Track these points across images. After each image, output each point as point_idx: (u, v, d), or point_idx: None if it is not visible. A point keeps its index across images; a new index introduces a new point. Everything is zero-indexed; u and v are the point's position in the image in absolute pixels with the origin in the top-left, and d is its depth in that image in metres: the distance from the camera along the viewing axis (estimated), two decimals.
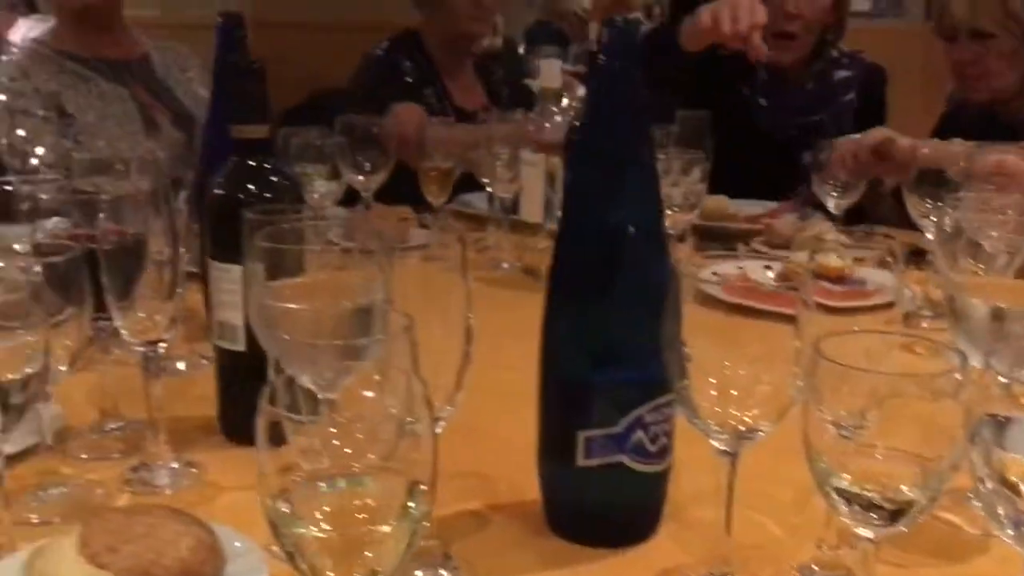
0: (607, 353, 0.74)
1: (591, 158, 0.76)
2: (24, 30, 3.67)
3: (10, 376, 0.67)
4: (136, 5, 2.26)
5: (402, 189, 1.82)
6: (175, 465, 0.88)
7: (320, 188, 1.54)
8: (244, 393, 0.91)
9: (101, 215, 0.85)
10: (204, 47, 2.43)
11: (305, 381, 0.63)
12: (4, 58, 2.05)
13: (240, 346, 0.89)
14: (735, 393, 0.65)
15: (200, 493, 0.85)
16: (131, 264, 0.84)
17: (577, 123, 1.43)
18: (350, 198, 1.66)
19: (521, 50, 6.16)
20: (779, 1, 1.93)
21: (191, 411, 0.98)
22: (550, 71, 1.52)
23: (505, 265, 1.63)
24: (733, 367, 0.65)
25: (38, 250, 0.82)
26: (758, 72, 2.05)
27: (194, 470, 0.88)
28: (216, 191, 0.89)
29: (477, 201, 1.95)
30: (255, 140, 0.88)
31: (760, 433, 0.67)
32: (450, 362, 0.70)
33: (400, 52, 2.27)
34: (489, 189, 1.70)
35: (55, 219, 1.08)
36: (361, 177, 1.61)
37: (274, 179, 0.89)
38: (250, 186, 0.88)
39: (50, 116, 1.97)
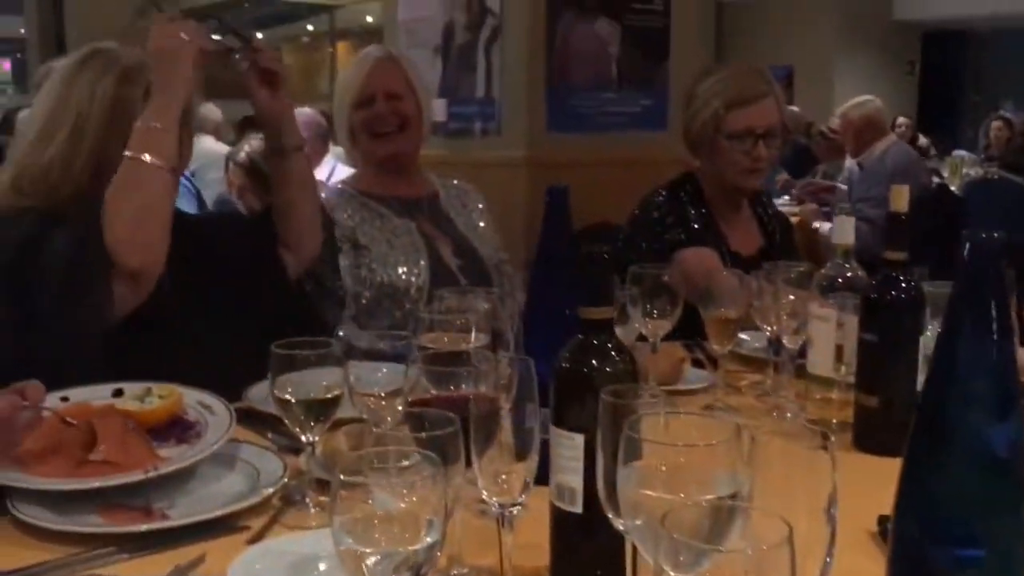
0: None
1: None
2: (327, 167, 4.13)
3: (412, 547, 0.77)
4: (427, 147, 2.50)
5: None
6: None
7: None
8: (579, 553, 1.00)
9: (463, 384, 0.97)
10: (483, 182, 2.67)
11: (660, 559, 0.68)
12: (320, 196, 2.34)
13: (577, 508, 0.97)
14: None
15: None
16: (492, 425, 0.95)
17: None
18: None
19: (779, 176, 6.19)
20: None
21: (522, 559, 1.06)
22: (843, 228, 1.55)
23: (789, 415, 1.64)
24: None
25: (412, 418, 0.94)
26: None
27: None
28: (563, 364, 0.98)
29: (755, 340, 1.96)
30: (601, 320, 0.97)
31: None
32: (816, 552, 0.73)
33: (682, 196, 2.32)
34: (769, 332, 1.73)
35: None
36: (649, 324, 1.68)
37: (616, 356, 0.97)
38: (595, 362, 0.97)
39: (346, 248, 2.22)
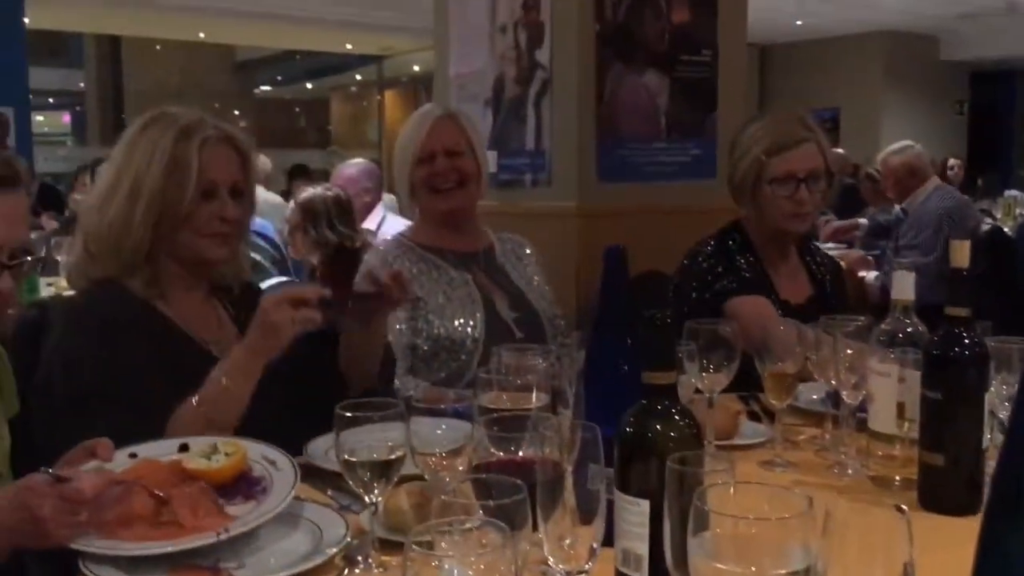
0: None
1: None
2: (377, 217, 4.18)
3: None
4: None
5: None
6: None
7: None
8: None
9: (524, 447, 0.97)
10: (534, 232, 2.69)
11: None
12: (379, 248, 2.39)
13: (643, 574, 0.97)
14: None
15: None
16: (557, 489, 0.95)
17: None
18: None
19: (825, 219, 6.14)
20: None
21: None
22: (903, 283, 1.53)
23: (851, 472, 1.62)
24: None
25: (478, 485, 0.95)
26: None
27: None
28: (627, 429, 0.98)
29: (813, 392, 1.94)
30: (664, 385, 0.97)
31: None
32: None
33: (730, 245, 2.33)
34: (828, 385, 1.71)
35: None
36: (706, 379, 1.68)
37: (680, 421, 0.97)
38: (658, 427, 0.97)
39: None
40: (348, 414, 1.18)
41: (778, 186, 2.25)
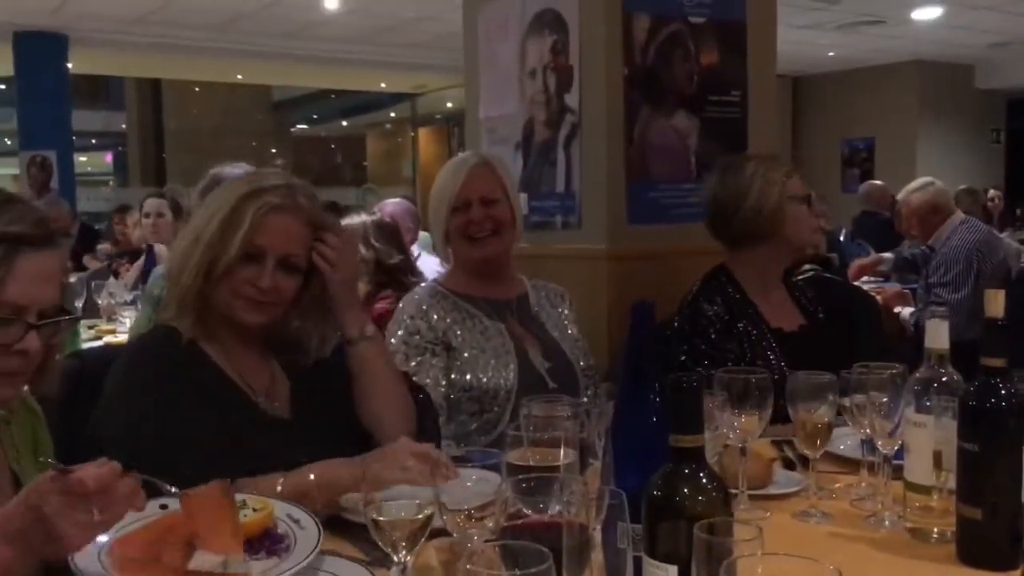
0: None
1: None
2: (413, 255, 4.20)
3: None
4: None
5: None
6: None
7: None
8: None
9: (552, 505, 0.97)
10: (565, 275, 2.70)
11: None
12: (414, 296, 2.39)
13: None
14: None
15: None
16: (584, 553, 0.95)
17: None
18: None
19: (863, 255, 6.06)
20: None
21: None
22: (937, 332, 1.51)
23: (887, 523, 1.59)
24: None
25: (506, 553, 0.95)
26: None
27: None
28: (654, 492, 0.98)
29: (847, 438, 1.91)
30: (692, 448, 0.97)
31: None
32: None
33: (718, 281, 2.45)
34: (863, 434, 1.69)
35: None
36: (738, 429, 1.66)
37: (708, 486, 0.97)
38: (686, 491, 0.96)
39: (438, 350, 2.26)
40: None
41: (798, 204, 2.42)
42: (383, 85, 15.46)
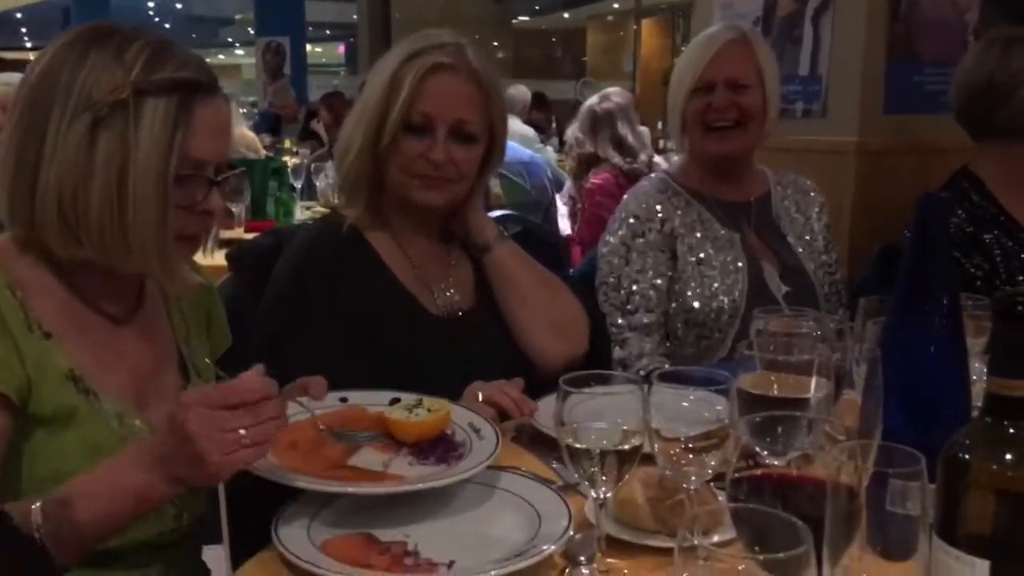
0: None
1: None
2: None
3: None
4: None
5: None
6: None
7: None
8: None
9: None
10: (803, 171, 2.33)
11: None
12: (640, 191, 2.08)
13: None
14: None
15: None
16: (852, 523, 0.70)
17: None
18: None
19: None
20: None
21: None
22: None
23: None
24: None
25: (741, 523, 0.71)
26: None
27: None
28: (958, 455, 0.70)
29: None
30: (1018, 399, 0.67)
31: None
32: None
33: (964, 187, 2.06)
34: None
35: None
36: None
37: None
38: (1009, 458, 0.67)
39: (662, 258, 1.95)
40: (569, 387, 0.97)
41: None
42: None
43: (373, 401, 1.30)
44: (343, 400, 1.30)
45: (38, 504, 1.01)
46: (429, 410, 1.23)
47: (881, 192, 2.57)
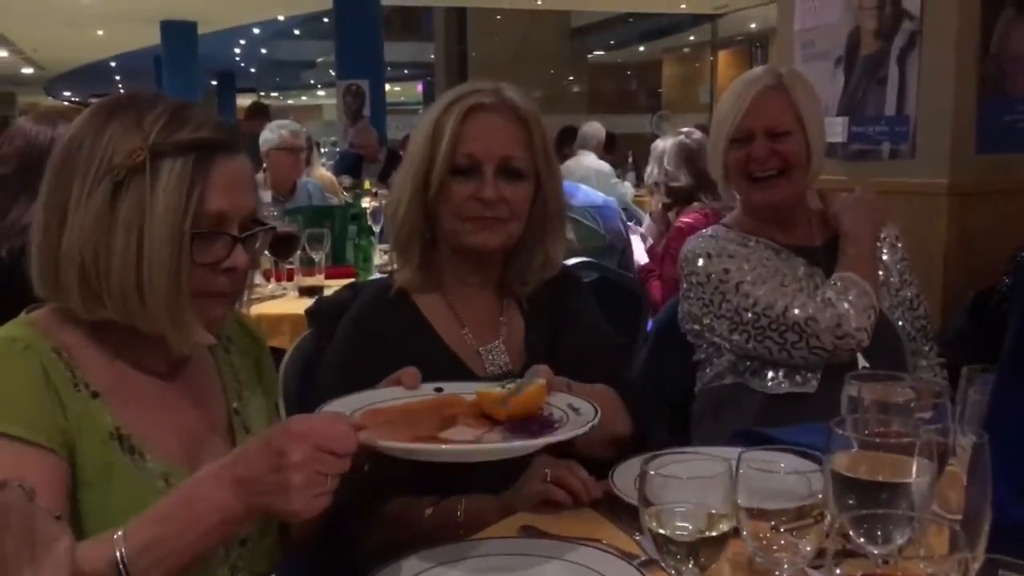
0: None
1: None
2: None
3: None
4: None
5: None
6: None
7: None
8: None
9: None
10: (890, 214, 2.24)
11: None
12: (699, 238, 2.01)
13: None
14: None
15: None
16: None
17: None
18: None
19: None
20: None
21: None
22: None
23: None
24: None
25: None
26: None
27: None
28: None
29: None
30: None
31: None
32: None
33: None
34: None
35: None
36: None
37: None
38: None
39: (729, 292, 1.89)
40: (653, 472, 0.93)
41: None
42: (683, 7, 14.83)
43: (466, 390, 1.30)
44: (438, 390, 1.31)
45: (120, 533, 0.99)
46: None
47: (974, 234, 2.48)
